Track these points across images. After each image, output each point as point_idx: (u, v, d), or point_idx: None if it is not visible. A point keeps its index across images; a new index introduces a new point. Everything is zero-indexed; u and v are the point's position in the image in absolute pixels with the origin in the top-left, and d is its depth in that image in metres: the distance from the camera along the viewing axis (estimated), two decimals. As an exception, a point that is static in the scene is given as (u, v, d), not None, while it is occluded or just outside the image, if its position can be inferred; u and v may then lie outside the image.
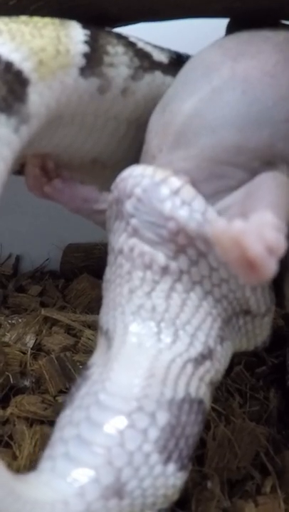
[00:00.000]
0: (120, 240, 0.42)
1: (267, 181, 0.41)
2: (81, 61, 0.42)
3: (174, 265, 0.41)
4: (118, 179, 0.43)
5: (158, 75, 0.47)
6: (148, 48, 0.47)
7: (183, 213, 0.40)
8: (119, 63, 0.44)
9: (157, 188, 0.41)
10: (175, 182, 0.41)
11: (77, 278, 0.73)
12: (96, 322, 0.49)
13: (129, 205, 0.42)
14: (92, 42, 0.43)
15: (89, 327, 0.63)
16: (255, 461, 0.51)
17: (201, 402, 0.40)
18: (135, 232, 0.41)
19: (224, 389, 0.57)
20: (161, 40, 0.50)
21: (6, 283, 0.74)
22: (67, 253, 0.77)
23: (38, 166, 0.48)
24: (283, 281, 0.46)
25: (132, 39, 0.46)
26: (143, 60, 0.46)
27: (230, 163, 0.42)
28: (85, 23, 0.45)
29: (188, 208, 0.40)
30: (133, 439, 0.37)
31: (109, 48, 0.44)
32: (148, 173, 0.42)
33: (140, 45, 0.46)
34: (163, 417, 0.38)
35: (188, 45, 0.49)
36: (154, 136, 0.44)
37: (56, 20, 0.42)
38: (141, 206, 0.41)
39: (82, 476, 0.36)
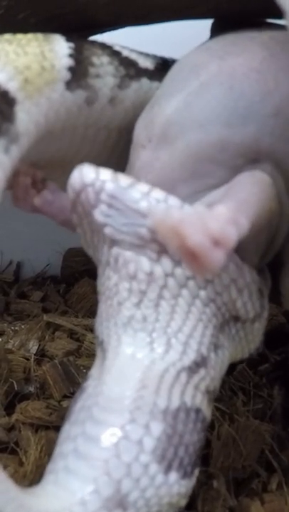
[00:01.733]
0: (104, 252, 0.41)
1: (244, 179, 0.41)
2: (66, 75, 0.42)
3: (158, 269, 0.40)
4: (72, 194, 0.41)
5: (144, 81, 0.47)
6: (133, 56, 0.47)
7: (160, 209, 0.39)
8: (104, 73, 0.44)
9: (126, 191, 0.39)
10: (142, 186, 0.40)
11: (78, 282, 0.73)
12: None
13: (98, 214, 0.40)
14: (77, 54, 0.43)
15: (91, 331, 0.63)
16: (260, 459, 0.51)
17: (198, 410, 0.40)
18: (113, 241, 0.40)
19: (227, 388, 0.57)
20: (148, 44, 0.50)
21: (8, 290, 0.74)
22: (67, 258, 0.76)
23: (29, 175, 0.46)
24: (279, 279, 0.46)
25: (116, 48, 0.46)
26: (129, 68, 0.46)
27: (214, 161, 0.41)
28: (73, 30, 0.45)
29: (164, 204, 0.39)
30: (128, 451, 0.37)
31: (95, 59, 0.44)
32: (105, 177, 0.40)
33: (125, 53, 0.46)
34: (157, 427, 0.38)
35: (174, 47, 0.49)
36: (144, 129, 0.44)
37: (40, 36, 0.42)
38: (112, 211, 0.40)
39: (82, 488, 0.37)
